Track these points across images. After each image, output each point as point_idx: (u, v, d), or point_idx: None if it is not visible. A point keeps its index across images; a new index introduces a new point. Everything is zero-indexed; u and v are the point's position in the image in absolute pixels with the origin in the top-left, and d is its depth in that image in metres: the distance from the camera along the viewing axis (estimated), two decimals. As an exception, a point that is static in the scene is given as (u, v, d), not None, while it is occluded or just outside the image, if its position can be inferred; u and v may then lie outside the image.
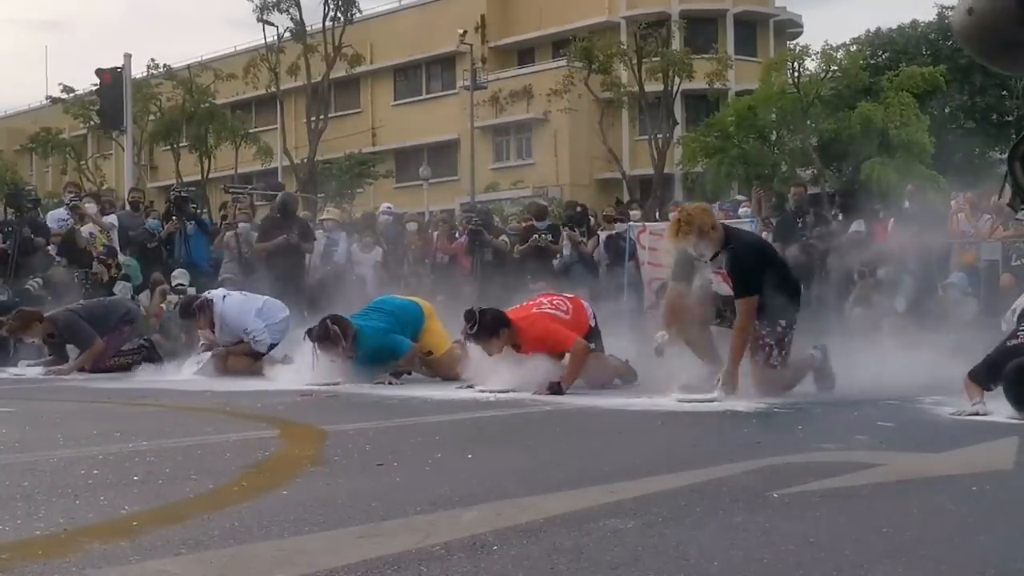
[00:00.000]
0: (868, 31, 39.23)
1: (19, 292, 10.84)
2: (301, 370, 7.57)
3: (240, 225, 12.95)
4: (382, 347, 7.41)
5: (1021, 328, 5.46)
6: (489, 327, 6.60)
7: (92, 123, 34.50)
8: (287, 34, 37.19)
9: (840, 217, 12.05)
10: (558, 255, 12.81)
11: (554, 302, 6.97)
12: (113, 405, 6.24)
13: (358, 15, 38.19)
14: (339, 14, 36.99)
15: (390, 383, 7.20)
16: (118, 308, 9.43)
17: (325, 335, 7.18)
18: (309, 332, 7.33)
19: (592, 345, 6.74)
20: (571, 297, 7.18)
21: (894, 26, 38.93)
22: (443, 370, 7.64)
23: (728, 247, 6.07)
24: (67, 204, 12.56)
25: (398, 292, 9.59)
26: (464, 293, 10.69)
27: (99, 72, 18.41)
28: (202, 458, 3.77)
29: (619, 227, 13.08)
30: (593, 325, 6.96)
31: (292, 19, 36.78)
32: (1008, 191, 4.73)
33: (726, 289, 6.10)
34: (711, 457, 3.73)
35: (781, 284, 6.22)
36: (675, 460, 3.71)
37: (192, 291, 12.35)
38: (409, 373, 7.65)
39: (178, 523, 2.60)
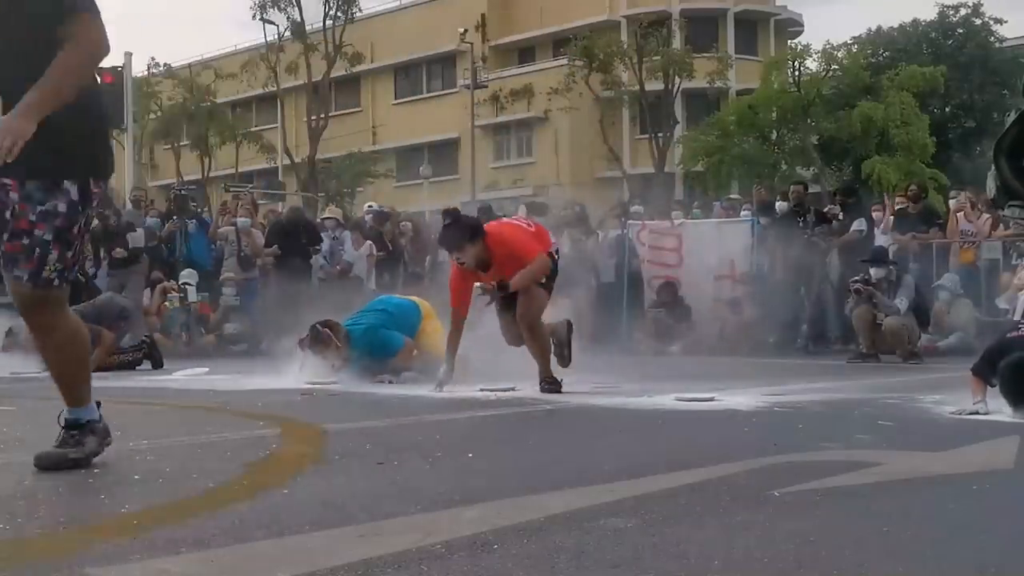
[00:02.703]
0: (869, 30, 39.28)
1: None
2: None
3: (239, 220, 12.95)
4: (373, 344, 7.37)
5: (1022, 321, 5.43)
6: (466, 231, 6.38)
7: (93, 122, 34.44)
8: (287, 33, 37.21)
9: (840, 216, 12.04)
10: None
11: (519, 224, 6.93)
12: (113, 404, 6.23)
13: (358, 14, 38.21)
14: (339, 13, 37.02)
15: (390, 382, 7.19)
16: (112, 307, 9.33)
17: (317, 338, 7.16)
18: (300, 342, 7.28)
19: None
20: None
21: (895, 25, 38.96)
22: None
23: None
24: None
25: (396, 292, 9.60)
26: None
27: (99, 71, 18.39)
28: (202, 457, 3.77)
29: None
30: (556, 260, 6.77)
31: (289, 18, 36.82)
32: (993, 188, 4.70)
33: None
34: (711, 457, 3.72)
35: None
36: (675, 460, 3.71)
37: (194, 290, 12.40)
38: (408, 370, 7.63)
39: (179, 522, 2.60)
